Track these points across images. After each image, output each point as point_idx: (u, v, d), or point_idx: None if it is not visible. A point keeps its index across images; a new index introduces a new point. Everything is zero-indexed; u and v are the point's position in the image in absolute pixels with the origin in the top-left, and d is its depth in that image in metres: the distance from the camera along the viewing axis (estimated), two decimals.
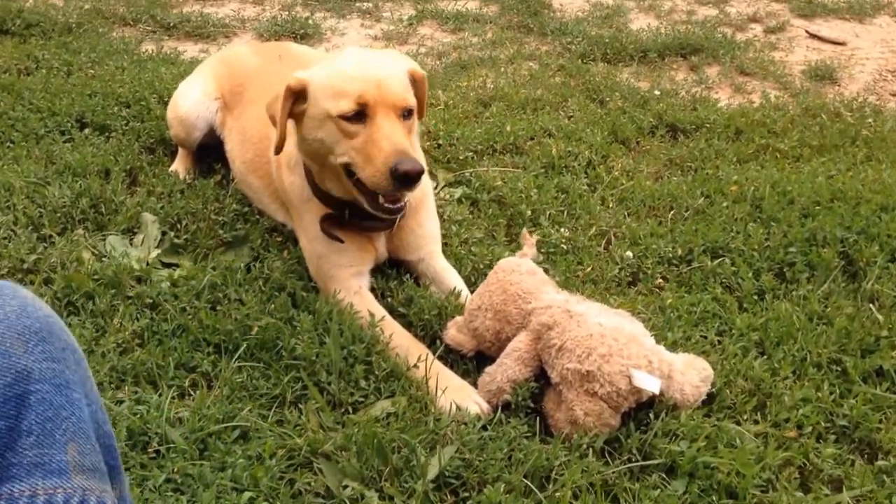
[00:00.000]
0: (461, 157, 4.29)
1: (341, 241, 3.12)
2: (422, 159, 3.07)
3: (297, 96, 2.99)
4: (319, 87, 2.95)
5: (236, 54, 4.23)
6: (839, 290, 3.26)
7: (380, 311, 3.01)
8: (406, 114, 2.92)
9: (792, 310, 3.09)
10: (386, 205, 2.93)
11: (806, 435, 2.54)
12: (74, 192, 3.64)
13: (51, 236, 3.40)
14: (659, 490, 2.33)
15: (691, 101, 5.32)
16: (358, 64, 2.97)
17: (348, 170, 2.94)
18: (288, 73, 3.50)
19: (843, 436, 2.58)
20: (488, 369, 2.71)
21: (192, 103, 3.98)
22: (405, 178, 2.75)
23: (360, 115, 2.86)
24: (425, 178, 3.33)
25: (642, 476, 2.40)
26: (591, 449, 2.43)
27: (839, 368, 2.84)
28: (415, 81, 3.05)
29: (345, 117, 2.87)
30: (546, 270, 3.27)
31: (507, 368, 2.64)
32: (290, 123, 3.07)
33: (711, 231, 3.59)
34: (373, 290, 3.20)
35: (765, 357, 2.87)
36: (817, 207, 3.77)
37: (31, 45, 5.78)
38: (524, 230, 3.49)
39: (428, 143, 4.35)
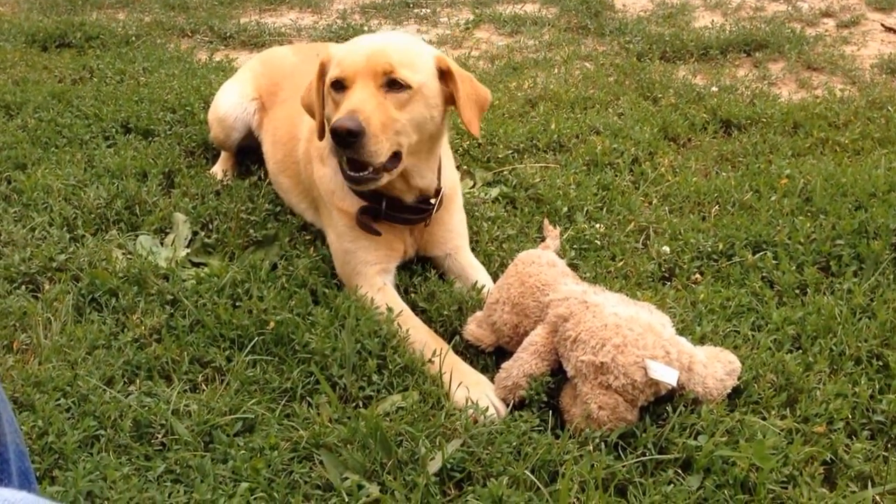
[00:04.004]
0: (501, 156, 4.20)
1: (378, 234, 3.04)
2: (435, 156, 3.04)
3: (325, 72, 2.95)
4: (332, 60, 2.91)
5: (275, 54, 4.21)
6: (887, 283, 3.08)
7: (400, 305, 2.93)
8: (390, 84, 2.77)
9: (834, 303, 2.93)
10: (349, 173, 2.80)
11: (836, 431, 2.38)
12: (110, 194, 3.67)
13: (84, 236, 3.43)
14: (672, 485, 2.21)
15: (750, 96, 5.13)
16: (367, 38, 2.96)
17: None
18: None
19: (879, 432, 2.42)
20: (504, 364, 2.62)
21: (230, 105, 3.97)
22: (334, 134, 2.64)
23: (342, 84, 2.81)
24: (452, 173, 3.26)
25: (656, 471, 2.28)
26: (603, 443, 2.33)
27: (880, 363, 2.67)
28: (444, 73, 2.93)
29: (333, 86, 2.83)
30: (575, 266, 3.17)
31: (524, 363, 2.55)
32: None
33: (755, 225, 3.43)
34: (397, 286, 3.14)
35: (800, 351, 2.71)
36: (872, 199, 3.58)
37: (88, 57, 5.91)
38: (545, 220, 3.39)
39: (467, 143, 4.28)
